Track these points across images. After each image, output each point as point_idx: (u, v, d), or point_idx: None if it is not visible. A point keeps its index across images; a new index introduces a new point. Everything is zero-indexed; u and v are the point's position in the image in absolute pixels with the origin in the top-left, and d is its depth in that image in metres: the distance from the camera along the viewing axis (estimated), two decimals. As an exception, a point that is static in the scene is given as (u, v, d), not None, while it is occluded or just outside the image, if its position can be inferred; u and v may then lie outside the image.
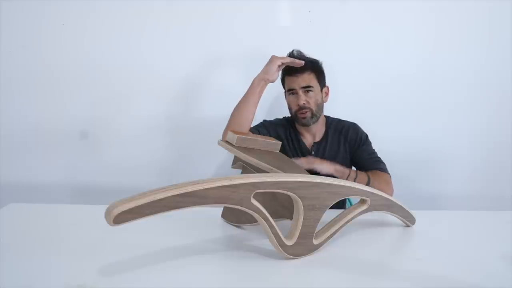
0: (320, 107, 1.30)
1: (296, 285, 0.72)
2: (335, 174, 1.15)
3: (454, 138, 1.72)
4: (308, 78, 1.26)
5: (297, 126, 1.35)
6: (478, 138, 1.72)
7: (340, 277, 0.73)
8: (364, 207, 0.87)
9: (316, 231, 0.80)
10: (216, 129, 1.26)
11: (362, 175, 1.20)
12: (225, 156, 1.62)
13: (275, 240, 0.75)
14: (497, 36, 1.64)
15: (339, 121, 1.38)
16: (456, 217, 1.17)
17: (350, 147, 1.33)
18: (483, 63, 1.66)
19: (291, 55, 1.27)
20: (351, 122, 1.37)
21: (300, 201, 0.75)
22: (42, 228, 0.96)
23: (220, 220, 1.01)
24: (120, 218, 0.57)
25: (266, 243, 0.79)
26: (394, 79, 1.66)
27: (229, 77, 1.63)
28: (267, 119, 1.40)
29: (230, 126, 1.22)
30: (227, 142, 0.98)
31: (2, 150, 1.66)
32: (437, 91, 1.68)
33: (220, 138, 1.18)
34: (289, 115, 1.36)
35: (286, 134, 1.36)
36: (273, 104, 1.63)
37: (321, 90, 1.31)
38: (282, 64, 1.23)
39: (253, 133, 1.28)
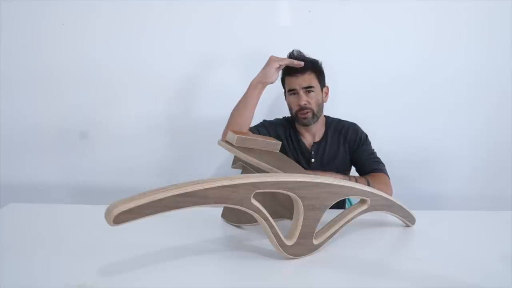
0: (320, 107, 1.30)
1: (296, 285, 0.72)
2: None
3: (454, 138, 1.72)
4: (309, 78, 1.26)
5: (297, 126, 1.35)
6: (478, 138, 1.72)
7: (340, 277, 0.73)
8: (364, 207, 0.87)
9: (316, 231, 0.80)
10: (216, 129, 1.26)
11: (361, 179, 1.20)
12: (225, 156, 1.62)
13: (275, 240, 0.75)
14: (497, 36, 1.64)
15: (339, 121, 1.38)
16: (456, 217, 1.17)
17: (350, 147, 1.33)
18: (483, 63, 1.66)
19: (291, 55, 1.26)
20: (351, 122, 1.37)
21: (300, 201, 0.75)
22: (42, 228, 0.96)
23: (220, 220, 1.01)
24: (120, 218, 0.57)
25: (266, 243, 0.79)
26: (394, 79, 1.66)
27: (229, 77, 1.63)
28: (267, 119, 1.40)
29: (229, 128, 1.22)
30: (227, 142, 0.98)
31: (2, 150, 1.66)
32: (437, 91, 1.68)
33: (220, 138, 1.18)
34: (288, 115, 1.36)
35: (286, 134, 1.36)
36: (273, 104, 1.63)
37: (321, 90, 1.31)
38: (280, 66, 1.23)
39: (253, 133, 1.28)
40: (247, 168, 0.95)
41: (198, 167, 1.71)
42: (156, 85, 1.65)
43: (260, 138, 1.02)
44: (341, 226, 0.85)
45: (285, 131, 1.36)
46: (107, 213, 0.57)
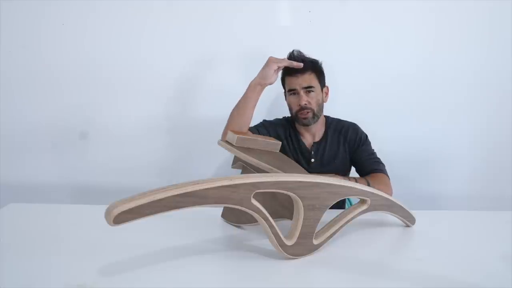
0: (321, 107, 1.30)
1: (296, 285, 0.72)
2: None
3: (454, 138, 1.72)
4: (309, 78, 1.26)
5: (297, 126, 1.35)
6: (478, 138, 1.72)
7: (340, 277, 0.73)
8: (364, 207, 0.87)
9: (316, 231, 0.80)
10: (216, 129, 1.26)
11: (362, 180, 1.20)
12: (225, 156, 1.62)
13: (275, 240, 0.75)
14: (497, 36, 1.64)
15: (338, 121, 1.38)
16: (456, 217, 1.17)
17: (350, 147, 1.33)
18: (483, 63, 1.66)
19: (291, 55, 1.26)
20: (350, 122, 1.37)
21: (300, 201, 0.75)
22: (42, 228, 0.96)
23: (220, 220, 1.01)
24: (120, 218, 0.57)
25: (266, 243, 0.79)
26: (394, 79, 1.66)
27: (229, 77, 1.62)
28: (267, 119, 1.40)
29: (229, 128, 1.22)
30: (227, 142, 0.98)
31: (2, 150, 1.66)
32: (437, 91, 1.68)
33: (220, 138, 1.18)
34: (288, 115, 1.36)
35: (286, 134, 1.36)
36: (273, 104, 1.63)
37: (322, 90, 1.31)
38: (279, 68, 1.23)
39: (253, 133, 1.28)
40: (247, 168, 0.95)
41: (198, 167, 1.71)
42: (156, 85, 1.65)
43: (260, 138, 1.02)
44: (341, 226, 0.85)
45: (285, 131, 1.36)
46: (107, 213, 0.57)
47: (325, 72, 1.32)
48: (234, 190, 0.66)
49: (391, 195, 1.19)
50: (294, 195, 0.74)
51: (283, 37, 1.59)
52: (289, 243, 0.76)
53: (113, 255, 0.79)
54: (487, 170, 1.74)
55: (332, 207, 0.81)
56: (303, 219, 0.76)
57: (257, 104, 1.26)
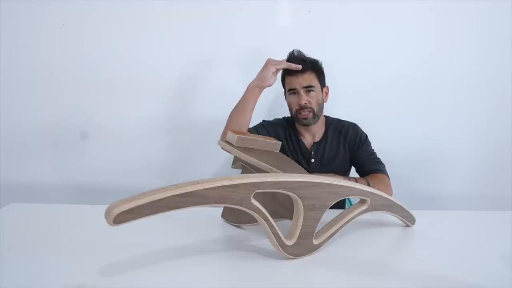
0: (321, 107, 1.30)
1: (296, 285, 0.72)
2: None
3: (454, 138, 1.72)
4: (309, 78, 1.26)
5: (297, 126, 1.35)
6: (478, 138, 1.72)
7: (340, 277, 0.73)
8: (364, 207, 0.87)
9: (316, 231, 0.80)
10: (216, 129, 1.26)
11: (362, 180, 1.20)
12: (225, 156, 1.62)
13: (275, 240, 0.75)
14: (497, 36, 1.64)
15: (338, 121, 1.38)
16: (456, 217, 1.17)
17: (350, 147, 1.33)
18: (483, 63, 1.66)
19: (291, 55, 1.26)
20: (351, 122, 1.37)
21: (300, 201, 0.75)
22: (42, 228, 0.96)
23: (220, 220, 1.01)
24: (120, 218, 0.57)
25: (266, 243, 0.79)
26: (394, 79, 1.66)
27: (229, 77, 1.62)
28: (267, 119, 1.40)
29: (228, 129, 1.22)
30: (227, 142, 0.98)
31: (2, 150, 1.66)
32: (437, 91, 1.68)
33: (220, 138, 1.18)
34: (288, 115, 1.36)
35: (286, 134, 1.36)
36: (273, 104, 1.63)
37: (322, 90, 1.31)
38: (277, 70, 1.23)
39: (253, 133, 1.28)
40: (247, 168, 0.95)
41: (198, 167, 1.71)
42: (156, 85, 1.65)
43: (260, 138, 1.02)
44: (341, 226, 0.85)
45: (285, 131, 1.36)
46: (107, 213, 0.57)
47: (325, 72, 1.32)
48: (234, 190, 0.66)
49: (391, 195, 1.19)
50: (294, 195, 0.74)
51: (283, 37, 1.59)
52: (289, 243, 0.76)
53: (113, 255, 0.79)
54: (487, 170, 1.74)
55: (332, 207, 0.81)
56: (303, 219, 0.76)
57: (256, 106, 1.26)
